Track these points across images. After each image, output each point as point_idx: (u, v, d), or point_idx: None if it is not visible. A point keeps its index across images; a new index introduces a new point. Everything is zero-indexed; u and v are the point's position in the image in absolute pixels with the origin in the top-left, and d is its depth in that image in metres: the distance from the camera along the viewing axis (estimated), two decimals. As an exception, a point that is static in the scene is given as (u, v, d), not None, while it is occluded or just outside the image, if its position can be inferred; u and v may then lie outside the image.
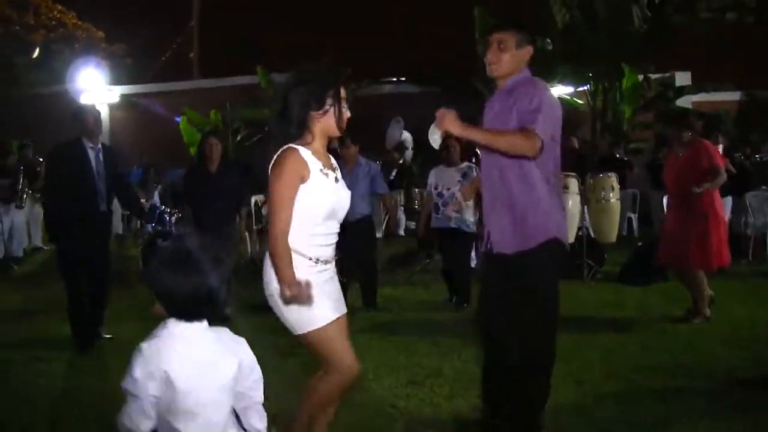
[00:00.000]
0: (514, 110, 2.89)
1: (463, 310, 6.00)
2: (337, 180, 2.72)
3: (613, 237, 7.99)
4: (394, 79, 16.95)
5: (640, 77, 12.86)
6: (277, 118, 2.65)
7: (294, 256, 2.56)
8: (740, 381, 3.88)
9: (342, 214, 2.75)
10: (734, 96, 14.97)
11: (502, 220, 3.01)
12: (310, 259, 2.61)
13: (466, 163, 6.23)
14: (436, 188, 6.20)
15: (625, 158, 11.72)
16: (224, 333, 1.98)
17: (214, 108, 15.46)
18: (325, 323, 2.62)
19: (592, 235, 7.89)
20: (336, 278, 2.78)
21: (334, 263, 2.76)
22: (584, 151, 11.10)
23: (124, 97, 18.07)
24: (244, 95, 15.70)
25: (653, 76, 13.30)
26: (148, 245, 7.73)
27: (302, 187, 2.57)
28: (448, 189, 6.10)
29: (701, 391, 3.76)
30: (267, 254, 2.62)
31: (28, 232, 10.09)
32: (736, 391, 3.74)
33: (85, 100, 16.29)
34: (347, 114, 2.68)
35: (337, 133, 2.68)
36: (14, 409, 3.77)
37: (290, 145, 2.59)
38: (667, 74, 14.15)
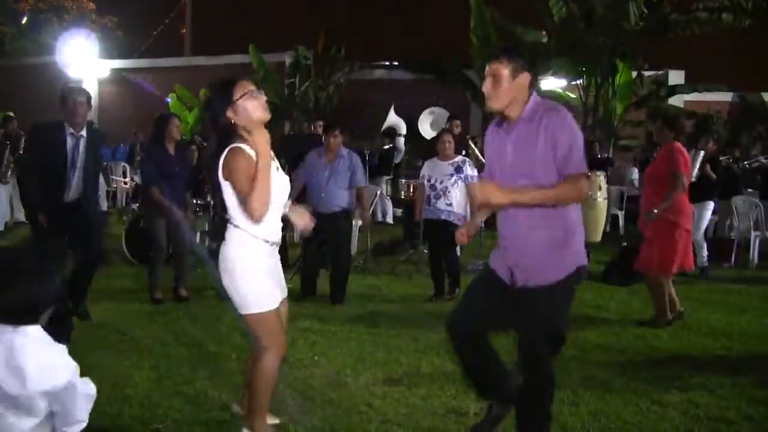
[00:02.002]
0: (546, 141, 2.82)
1: (455, 298, 5.97)
2: (279, 168, 3.00)
3: (598, 237, 8.01)
4: (387, 63, 16.81)
5: (634, 74, 12.84)
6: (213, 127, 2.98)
7: (248, 237, 2.89)
8: (714, 393, 3.88)
9: (284, 199, 3.05)
10: (726, 97, 14.99)
11: (535, 249, 2.91)
12: (266, 241, 2.93)
13: (459, 157, 6.31)
14: (429, 180, 6.28)
15: (606, 155, 11.75)
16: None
17: (204, 86, 15.29)
18: (267, 308, 2.92)
19: (578, 233, 7.91)
20: (279, 261, 3.10)
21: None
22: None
23: (114, 72, 17.82)
24: (234, 74, 15.50)
25: (646, 73, 13.28)
26: (131, 225, 7.65)
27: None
28: (441, 182, 6.17)
29: (676, 402, 3.75)
30: (228, 232, 2.94)
31: (11, 206, 9.96)
32: (710, 403, 3.74)
33: (73, 73, 16.05)
34: (263, 99, 2.92)
35: (259, 116, 2.87)
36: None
37: (236, 144, 2.85)
38: (661, 72, 14.14)
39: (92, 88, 17.71)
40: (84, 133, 4.94)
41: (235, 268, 2.89)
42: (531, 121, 2.89)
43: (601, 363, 4.45)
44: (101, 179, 5.94)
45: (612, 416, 3.53)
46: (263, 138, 2.86)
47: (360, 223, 8.64)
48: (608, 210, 10.40)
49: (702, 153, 7.37)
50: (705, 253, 7.61)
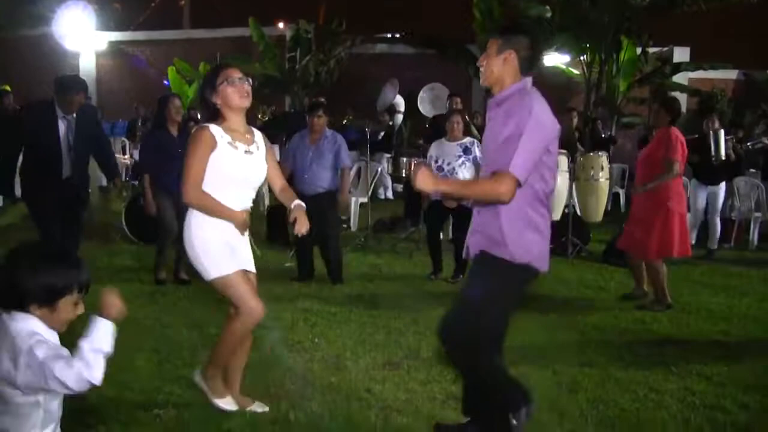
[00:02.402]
0: (502, 132, 2.70)
1: (458, 282, 5.98)
2: (248, 152, 3.14)
3: (599, 217, 7.98)
4: (389, 36, 16.61)
5: (638, 51, 12.69)
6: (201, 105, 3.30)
7: (200, 214, 3.10)
8: (711, 380, 3.89)
9: (255, 182, 3.21)
10: (731, 75, 14.82)
11: (483, 226, 2.87)
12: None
13: (468, 138, 6.25)
14: (436, 161, 6.18)
15: (609, 134, 11.66)
16: None
17: (203, 59, 15.14)
18: (225, 272, 3.08)
19: (578, 212, 7.88)
20: (248, 241, 3.25)
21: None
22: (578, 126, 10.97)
23: (112, 44, 17.60)
24: (235, 48, 15.36)
25: (651, 50, 13.11)
26: (131, 202, 7.61)
27: (212, 155, 3.05)
28: (449, 163, 6.08)
29: (673, 390, 3.76)
30: (188, 211, 3.15)
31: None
32: (707, 391, 3.75)
33: (70, 45, 15.84)
34: (244, 87, 3.10)
35: (236, 104, 3.10)
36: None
37: (203, 124, 3.13)
38: (666, 49, 13.97)
39: (90, 61, 17.54)
40: (74, 114, 5.04)
41: (187, 239, 3.13)
42: (499, 106, 2.81)
43: (600, 347, 4.45)
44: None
45: (610, 403, 3.54)
46: (230, 124, 3.10)
47: (361, 200, 8.64)
48: (610, 189, 10.38)
49: (723, 132, 7.35)
50: (717, 236, 7.70)
